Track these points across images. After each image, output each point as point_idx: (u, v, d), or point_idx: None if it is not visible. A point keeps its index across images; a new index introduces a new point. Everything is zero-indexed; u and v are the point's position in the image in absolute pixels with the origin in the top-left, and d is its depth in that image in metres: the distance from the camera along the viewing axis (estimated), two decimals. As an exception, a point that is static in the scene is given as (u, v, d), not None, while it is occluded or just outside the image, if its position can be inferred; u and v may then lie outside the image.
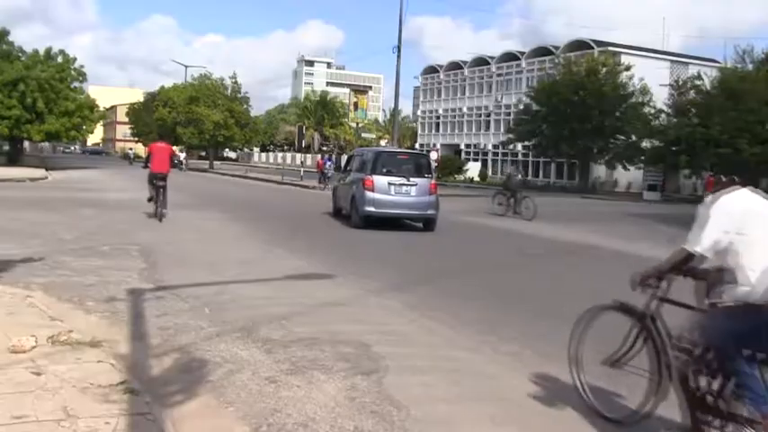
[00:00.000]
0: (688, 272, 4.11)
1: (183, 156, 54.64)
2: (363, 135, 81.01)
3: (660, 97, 45.69)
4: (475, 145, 66.53)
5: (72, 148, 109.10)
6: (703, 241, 3.82)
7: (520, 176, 23.95)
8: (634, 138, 45.48)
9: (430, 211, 16.52)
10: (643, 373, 4.33)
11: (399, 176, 16.43)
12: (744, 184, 4.00)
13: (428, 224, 16.70)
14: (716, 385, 3.83)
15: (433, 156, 50.19)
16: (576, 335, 4.78)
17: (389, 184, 16.21)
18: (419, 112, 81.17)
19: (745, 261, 3.71)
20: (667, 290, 4.28)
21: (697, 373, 3.90)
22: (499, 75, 65.13)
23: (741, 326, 3.70)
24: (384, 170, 16.48)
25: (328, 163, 38.34)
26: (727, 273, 3.80)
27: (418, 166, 17.28)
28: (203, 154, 79.14)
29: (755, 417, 3.61)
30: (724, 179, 4.10)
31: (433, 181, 16.94)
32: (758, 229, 3.76)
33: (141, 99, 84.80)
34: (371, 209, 16.12)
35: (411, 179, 16.38)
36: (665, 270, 4.14)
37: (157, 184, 15.98)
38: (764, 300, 3.59)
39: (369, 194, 16.07)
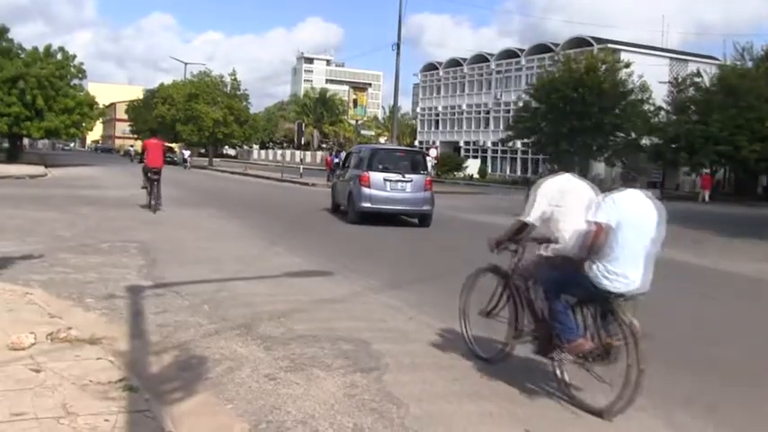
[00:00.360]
0: (524, 238, 5.38)
1: (187, 154, 54.61)
2: (363, 132, 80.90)
3: (660, 94, 45.71)
4: (474, 142, 66.53)
5: (71, 145, 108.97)
6: (533, 213, 5.19)
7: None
8: (633, 135, 45.47)
9: (425, 207, 16.74)
10: (505, 321, 5.49)
11: (395, 173, 16.65)
12: (566, 171, 5.45)
13: (423, 220, 16.93)
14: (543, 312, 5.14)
15: (433, 153, 50.31)
16: (464, 293, 5.97)
17: (385, 180, 16.46)
18: (418, 110, 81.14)
19: (561, 226, 5.03)
20: (522, 253, 5.41)
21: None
22: (499, 72, 65.08)
23: (558, 274, 4.94)
24: (380, 167, 16.70)
25: (337, 160, 36.72)
26: (551, 236, 5.12)
27: (414, 162, 17.51)
28: (203, 151, 79.09)
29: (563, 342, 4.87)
30: (557, 168, 5.62)
31: (429, 177, 17.09)
32: (570, 202, 5.05)
33: (141, 96, 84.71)
34: (367, 204, 16.36)
35: (406, 176, 16.59)
36: (507, 237, 5.41)
37: (152, 178, 16.99)
38: (573, 254, 4.81)
39: (365, 190, 16.35)
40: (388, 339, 6.25)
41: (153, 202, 16.96)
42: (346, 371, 5.29)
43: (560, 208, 5.08)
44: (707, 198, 39.38)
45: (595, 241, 4.61)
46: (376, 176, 16.43)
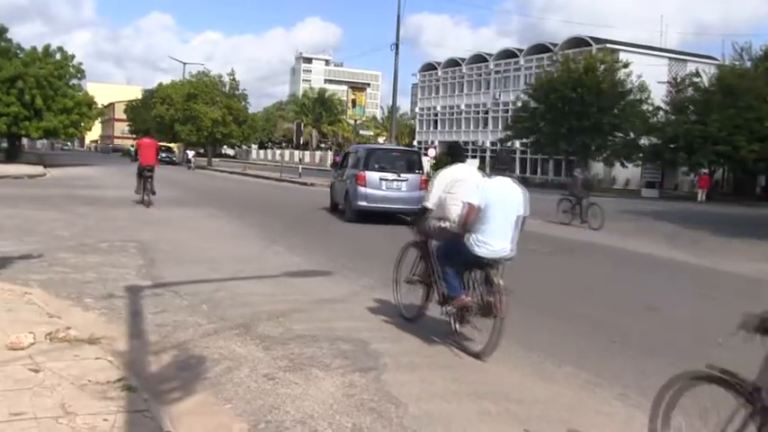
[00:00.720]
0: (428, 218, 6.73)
1: (191, 154, 54.99)
2: (361, 132, 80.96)
3: (658, 94, 45.75)
4: (473, 142, 66.48)
5: (68, 144, 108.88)
6: (431, 199, 6.57)
7: (583, 177, 20.05)
8: (632, 135, 45.53)
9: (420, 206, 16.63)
10: (420, 284, 6.71)
11: (391, 172, 16.93)
12: (459, 161, 6.92)
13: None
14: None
15: (432, 153, 50.29)
16: (395, 265, 7.20)
17: (381, 179, 16.80)
18: (417, 110, 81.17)
19: (451, 209, 6.29)
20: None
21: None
22: (497, 72, 65.10)
23: (447, 245, 6.31)
24: (376, 166, 17.06)
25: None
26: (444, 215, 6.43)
27: (409, 162, 17.80)
28: (201, 151, 78.99)
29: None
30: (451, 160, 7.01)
31: (424, 177, 17.34)
32: (459, 189, 6.26)
33: (139, 96, 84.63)
34: (364, 203, 16.71)
35: (402, 175, 16.94)
36: (417, 217, 6.97)
37: (145, 175, 18.31)
38: (457, 231, 6.09)
39: (361, 189, 16.68)
40: (386, 339, 6.25)
41: (146, 198, 18.19)
42: (345, 370, 5.29)
43: (451, 194, 6.37)
44: (704, 198, 39.45)
45: (467, 218, 5.92)
46: (372, 176, 16.74)
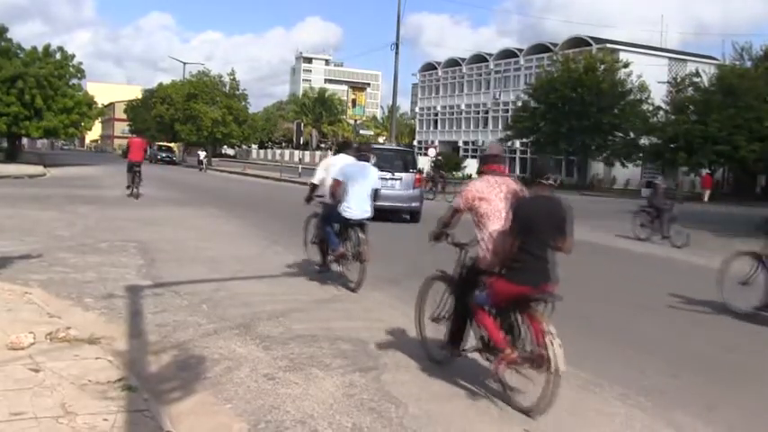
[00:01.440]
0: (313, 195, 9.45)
1: (202, 155, 53.51)
2: (361, 132, 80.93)
3: (658, 94, 45.73)
4: (473, 142, 66.52)
5: (69, 144, 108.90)
6: (315, 178, 9.26)
7: (665, 186, 18.47)
8: (632, 135, 45.54)
9: (413, 204, 17.57)
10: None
11: (385, 171, 16.65)
12: (343, 153, 9.30)
13: (413, 216, 17.71)
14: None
15: (431, 153, 50.26)
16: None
17: None
18: (417, 109, 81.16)
19: (328, 186, 8.78)
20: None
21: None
22: (497, 72, 65.10)
23: (325, 211, 8.85)
24: None
25: None
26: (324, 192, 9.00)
27: (404, 161, 18.16)
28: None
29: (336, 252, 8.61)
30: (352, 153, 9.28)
31: (418, 175, 17.88)
32: (332, 171, 8.77)
33: (139, 96, 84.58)
34: None
35: (396, 174, 17.23)
36: (307, 196, 9.62)
37: (134, 170, 20.75)
38: (329, 201, 8.66)
39: None
40: (386, 339, 6.25)
41: (135, 190, 20.52)
42: (345, 370, 5.29)
43: (329, 174, 8.97)
44: (706, 198, 39.49)
45: (334, 190, 8.60)
46: None
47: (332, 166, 8.95)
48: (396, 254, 12.23)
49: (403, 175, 17.33)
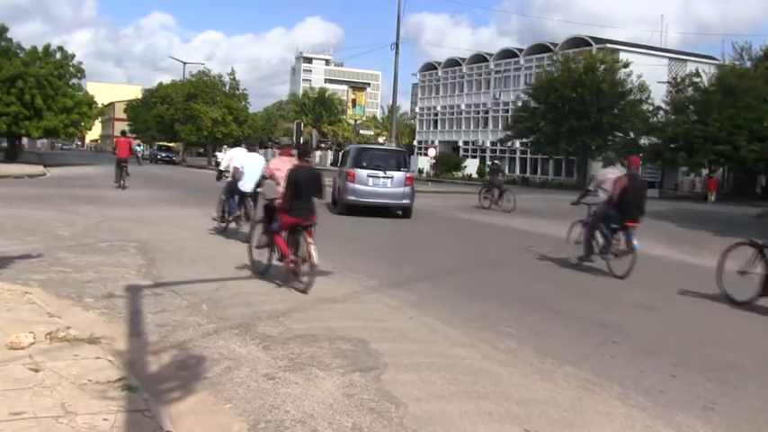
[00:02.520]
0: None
1: (220, 156, 44.21)
2: (362, 132, 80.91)
3: (658, 94, 45.74)
4: (473, 142, 66.55)
5: (69, 144, 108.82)
6: (222, 165, 13.94)
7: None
8: (632, 135, 45.52)
9: (404, 201, 18.53)
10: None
11: (378, 170, 18.29)
12: (244, 148, 13.62)
13: (405, 212, 18.71)
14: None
15: (432, 153, 50.31)
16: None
17: (368, 176, 18.18)
18: (417, 109, 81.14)
19: (231, 170, 12.75)
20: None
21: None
22: (497, 72, 65.08)
23: (229, 187, 12.79)
24: (364, 164, 18.52)
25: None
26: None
27: (397, 161, 19.14)
28: (201, 151, 78.97)
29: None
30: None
31: (410, 174, 18.96)
32: (235, 160, 12.80)
33: (140, 96, 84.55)
34: (352, 198, 18.19)
35: (388, 172, 18.27)
36: (217, 177, 14.40)
37: (121, 165, 24.14)
38: (233, 180, 12.63)
39: (350, 185, 18.18)
40: (386, 339, 6.25)
41: (122, 182, 23.86)
42: (345, 370, 5.29)
43: (232, 162, 12.84)
44: (713, 198, 39.68)
45: (235, 174, 12.30)
46: (360, 173, 18.18)
47: (234, 157, 12.86)
48: (395, 254, 12.24)
49: (395, 173, 18.30)
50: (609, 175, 11.20)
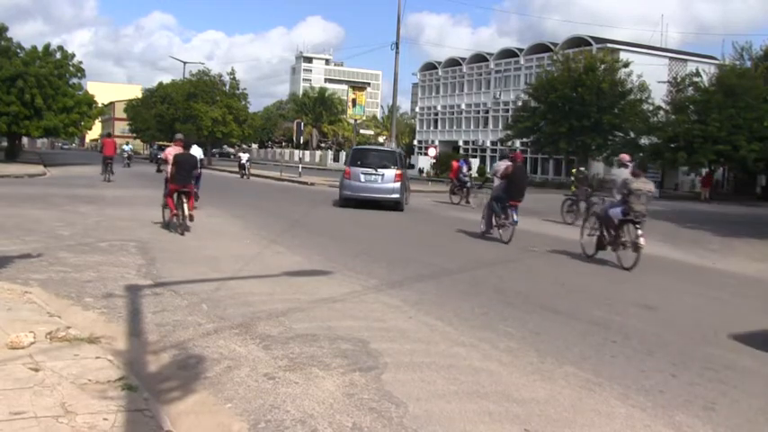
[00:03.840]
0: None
1: (245, 158, 40.51)
2: (362, 132, 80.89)
3: (658, 94, 45.71)
4: (473, 142, 66.57)
5: (69, 144, 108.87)
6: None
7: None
8: (632, 134, 45.49)
9: (394, 195, 21.06)
10: None
11: (370, 168, 21.10)
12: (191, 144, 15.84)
13: (395, 206, 21.16)
14: None
15: (432, 152, 50.26)
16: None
17: (362, 173, 21.07)
18: (417, 109, 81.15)
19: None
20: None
21: None
22: (497, 71, 65.08)
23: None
24: (359, 163, 21.41)
25: (465, 167, 26.92)
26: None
27: (388, 160, 21.68)
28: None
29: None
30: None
31: (399, 171, 21.23)
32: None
33: (140, 95, 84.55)
34: (348, 192, 21.25)
35: (379, 170, 20.99)
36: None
37: (106, 162, 28.41)
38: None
39: (346, 181, 21.28)
40: (386, 338, 6.24)
41: (107, 176, 28.08)
42: (345, 370, 5.29)
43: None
44: (707, 196, 39.68)
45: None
46: (355, 170, 21.15)
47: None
48: (395, 255, 12.24)
49: (385, 171, 20.96)
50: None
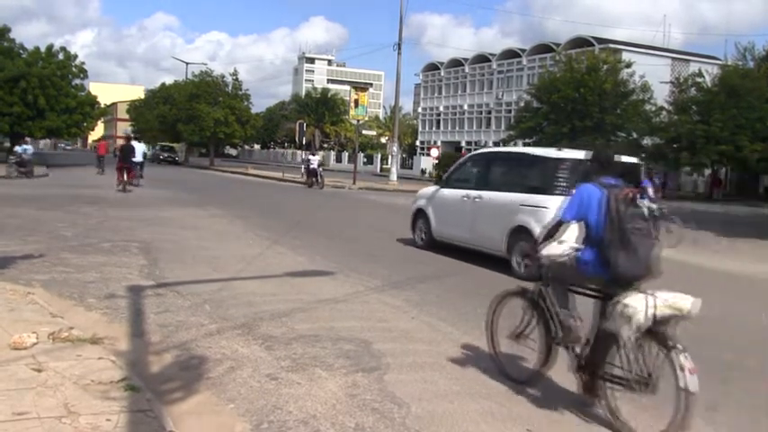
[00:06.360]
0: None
1: (315, 161, 32.78)
2: (364, 132, 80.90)
3: (661, 94, 45.63)
4: (476, 142, 66.48)
5: (71, 144, 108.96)
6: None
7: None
8: (635, 135, 45.40)
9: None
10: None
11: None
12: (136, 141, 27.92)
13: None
14: None
15: (434, 153, 50.27)
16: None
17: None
18: (420, 109, 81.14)
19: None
20: None
21: None
22: (500, 72, 65.08)
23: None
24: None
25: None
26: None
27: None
28: (203, 151, 78.92)
29: None
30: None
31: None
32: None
33: (142, 96, 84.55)
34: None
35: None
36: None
37: (100, 159, 35.17)
38: (137, 160, 26.20)
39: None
40: (389, 339, 6.24)
41: (100, 170, 33.86)
42: (348, 371, 5.29)
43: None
44: (719, 197, 39.84)
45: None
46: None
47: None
48: (395, 256, 12.24)
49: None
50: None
